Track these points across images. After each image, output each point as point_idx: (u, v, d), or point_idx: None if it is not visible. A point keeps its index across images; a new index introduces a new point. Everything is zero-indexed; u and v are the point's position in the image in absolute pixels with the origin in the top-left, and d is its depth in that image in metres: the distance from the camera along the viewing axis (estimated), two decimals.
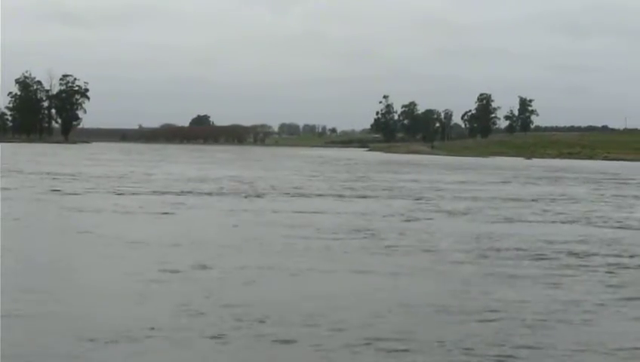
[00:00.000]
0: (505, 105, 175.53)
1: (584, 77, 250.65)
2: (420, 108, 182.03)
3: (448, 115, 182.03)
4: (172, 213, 19.27)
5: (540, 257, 13.09)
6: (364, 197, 26.45)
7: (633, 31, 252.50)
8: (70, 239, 14.93)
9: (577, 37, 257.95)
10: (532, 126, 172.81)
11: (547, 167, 63.55)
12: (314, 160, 69.32)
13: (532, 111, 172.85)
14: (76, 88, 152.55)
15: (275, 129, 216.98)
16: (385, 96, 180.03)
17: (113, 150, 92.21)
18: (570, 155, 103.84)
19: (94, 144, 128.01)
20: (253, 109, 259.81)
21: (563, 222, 19.22)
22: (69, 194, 24.95)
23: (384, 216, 19.60)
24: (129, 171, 40.37)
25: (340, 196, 26.24)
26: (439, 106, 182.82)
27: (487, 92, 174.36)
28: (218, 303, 8.97)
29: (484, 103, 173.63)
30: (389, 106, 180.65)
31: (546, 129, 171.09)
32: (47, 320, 8.14)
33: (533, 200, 26.62)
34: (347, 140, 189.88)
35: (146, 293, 9.55)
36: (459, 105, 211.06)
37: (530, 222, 19.27)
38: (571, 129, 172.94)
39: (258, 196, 25.44)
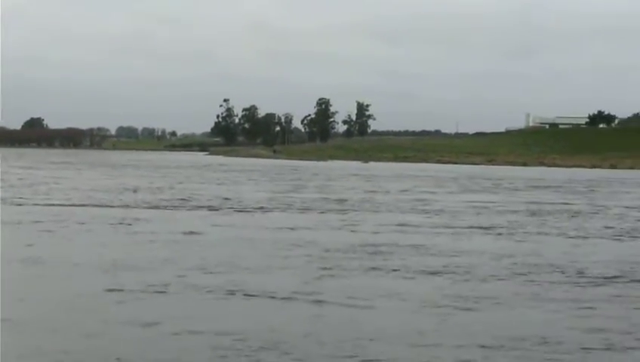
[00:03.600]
0: (343, 110, 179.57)
1: (413, 83, 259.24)
2: (261, 112, 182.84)
3: (289, 119, 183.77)
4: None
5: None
6: None
7: (451, 39, 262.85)
8: None
9: (399, 44, 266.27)
10: (369, 130, 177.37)
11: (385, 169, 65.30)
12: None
13: (369, 116, 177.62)
14: None
15: (113, 132, 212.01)
16: (225, 100, 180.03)
17: None
18: (406, 159, 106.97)
19: None
20: (90, 111, 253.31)
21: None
22: None
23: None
24: None
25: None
26: (280, 110, 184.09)
27: (326, 97, 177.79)
28: None
29: (323, 108, 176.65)
30: (229, 110, 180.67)
31: (382, 133, 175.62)
32: None
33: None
34: (188, 144, 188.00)
35: None
36: (299, 110, 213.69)
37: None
38: (406, 133, 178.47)
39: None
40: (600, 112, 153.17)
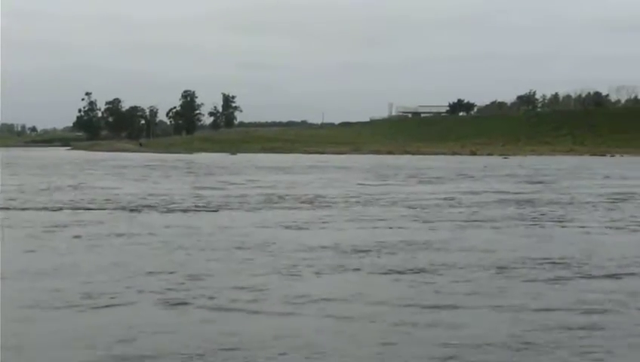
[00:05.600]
0: (209, 102, 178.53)
1: (277, 74, 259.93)
2: (125, 105, 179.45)
3: (154, 112, 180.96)
4: None
5: None
6: None
7: (308, 31, 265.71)
8: None
9: (258, 36, 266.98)
10: (236, 122, 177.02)
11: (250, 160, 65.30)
12: None
13: (235, 108, 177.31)
14: None
15: None
16: (87, 93, 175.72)
17: None
18: (273, 150, 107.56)
19: None
20: None
21: None
22: None
23: None
24: None
25: None
26: (145, 103, 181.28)
27: (192, 89, 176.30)
28: None
29: (189, 100, 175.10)
30: (92, 103, 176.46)
31: (249, 125, 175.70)
32: None
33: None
34: (49, 139, 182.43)
35: None
36: (164, 102, 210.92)
37: None
38: (273, 124, 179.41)
39: None
40: (460, 101, 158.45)
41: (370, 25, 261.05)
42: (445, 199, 25.01)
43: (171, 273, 10.96)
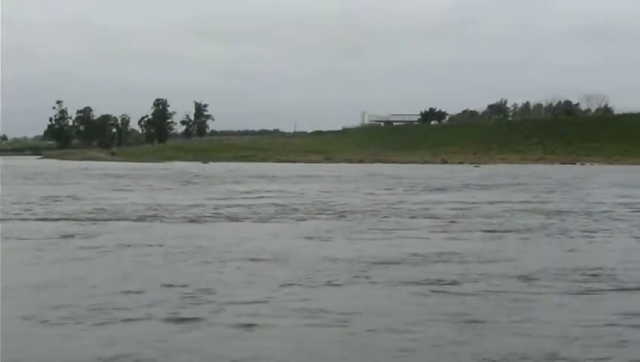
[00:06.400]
0: (181, 111, 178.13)
1: (250, 83, 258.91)
2: (97, 114, 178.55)
3: (125, 121, 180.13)
4: None
5: None
6: None
7: (282, 40, 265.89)
8: None
9: (231, 44, 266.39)
10: (208, 130, 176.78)
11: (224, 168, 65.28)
12: None
13: (208, 116, 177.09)
14: None
15: None
16: (58, 102, 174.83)
17: None
18: (245, 158, 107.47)
19: None
20: None
21: None
22: None
23: None
24: None
25: None
26: (116, 112, 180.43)
27: (164, 97, 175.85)
28: None
29: (161, 108, 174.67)
30: (63, 112, 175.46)
31: (221, 133, 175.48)
32: None
33: None
34: (19, 148, 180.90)
35: None
36: (136, 111, 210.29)
37: None
38: (246, 133, 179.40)
39: None
40: (432, 109, 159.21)
41: (344, 34, 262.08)
42: (463, 209, 23.69)
43: (184, 286, 10.43)
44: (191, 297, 9.70)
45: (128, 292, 10.00)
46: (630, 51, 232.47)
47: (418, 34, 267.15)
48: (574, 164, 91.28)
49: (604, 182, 44.66)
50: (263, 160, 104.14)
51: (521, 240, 15.99)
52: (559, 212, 23.05)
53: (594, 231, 17.81)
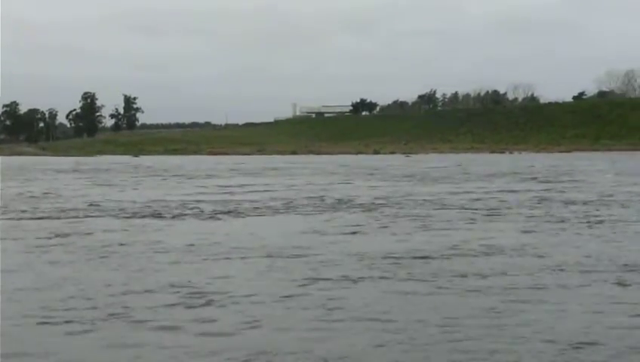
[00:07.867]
0: (110, 104, 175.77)
1: (179, 76, 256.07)
2: (23, 108, 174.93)
3: (53, 115, 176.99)
4: None
5: None
6: None
7: (211, 34, 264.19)
8: None
9: (157, 37, 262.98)
10: (138, 124, 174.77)
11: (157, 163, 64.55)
12: None
13: (137, 109, 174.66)
14: None
15: None
16: None
17: None
18: (177, 151, 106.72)
19: None
20: None
21: None
22: None
23: None
24: None
25: None
26: (44, 106, 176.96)
27: (92, 90, 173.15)
28: None
29: (89, 102, 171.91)
30: None
31: (152, 126, 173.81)
32: None
33: None
34: None
35: None
36: (64, 105, 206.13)
37: None
38: (177, 126, 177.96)
39: None
40: (362, 100, 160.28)
41: (272, 29, 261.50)
42: (477, 200, 21.93)
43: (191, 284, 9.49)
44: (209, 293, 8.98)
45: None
46: (555, 42, 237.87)
47: (348, 27, 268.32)
48: (503, 152, 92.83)
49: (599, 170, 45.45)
50: (195, 153, 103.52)
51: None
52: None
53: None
